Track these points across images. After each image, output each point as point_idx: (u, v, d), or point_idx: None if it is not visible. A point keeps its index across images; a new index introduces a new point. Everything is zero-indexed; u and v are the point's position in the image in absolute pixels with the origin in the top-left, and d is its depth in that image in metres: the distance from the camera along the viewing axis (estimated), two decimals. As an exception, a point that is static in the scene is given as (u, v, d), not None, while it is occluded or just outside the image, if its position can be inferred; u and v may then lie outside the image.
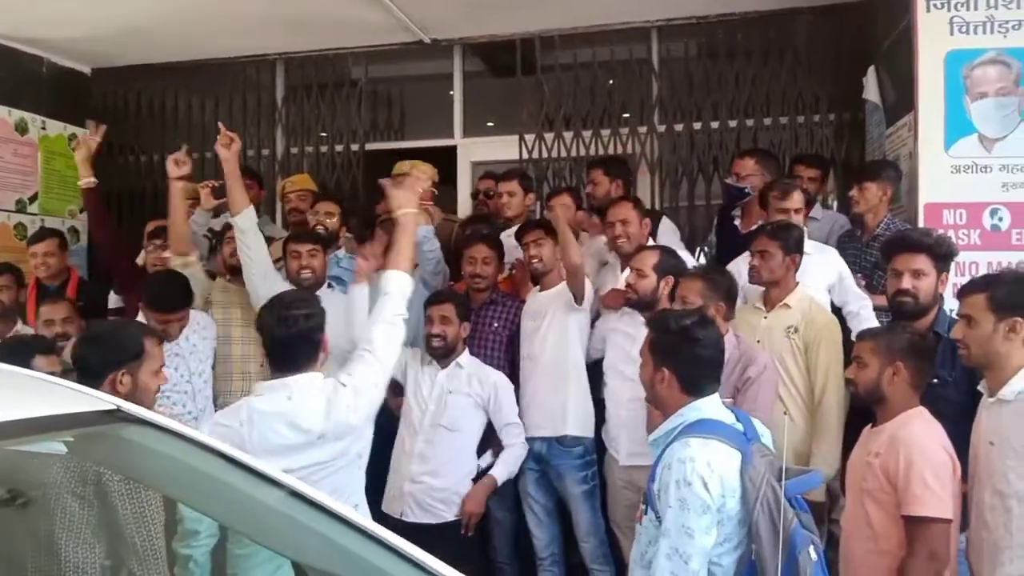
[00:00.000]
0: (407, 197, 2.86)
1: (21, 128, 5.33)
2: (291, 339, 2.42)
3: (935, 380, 2.65)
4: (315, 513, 1.56)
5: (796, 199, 3.64)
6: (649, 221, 3.74)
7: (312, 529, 1.56)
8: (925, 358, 2.56)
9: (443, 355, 3.46)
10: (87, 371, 2.24)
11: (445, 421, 3.38)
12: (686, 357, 2.33)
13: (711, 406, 2.32)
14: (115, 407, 1.68)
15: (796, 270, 3.36)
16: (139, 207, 5.86)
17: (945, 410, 2.59)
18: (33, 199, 5.41)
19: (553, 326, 3.55)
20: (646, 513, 2.30)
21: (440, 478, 3.36)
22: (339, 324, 3.68)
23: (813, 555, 2.14)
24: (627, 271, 3.52)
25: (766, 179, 4.10)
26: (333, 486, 2.32)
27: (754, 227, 3.71)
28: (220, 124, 3.77)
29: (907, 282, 2.95)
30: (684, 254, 3.71)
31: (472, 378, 3.43)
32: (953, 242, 3.17)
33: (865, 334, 2.67)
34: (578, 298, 3.48)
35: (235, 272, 3.82)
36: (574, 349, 3.56)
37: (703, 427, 2.23)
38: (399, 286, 2.63)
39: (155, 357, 2.43)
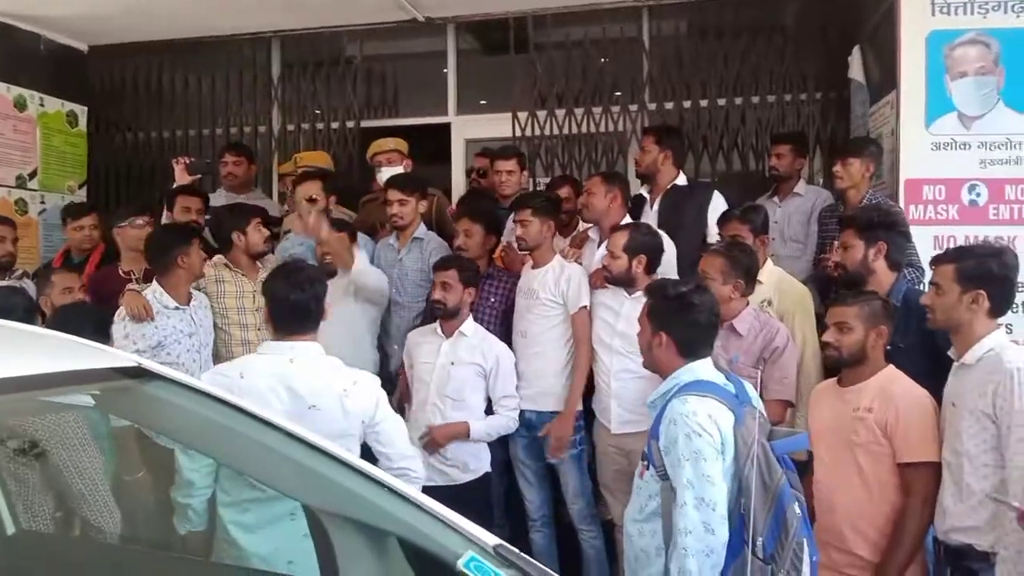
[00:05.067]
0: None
1: (20, 104, 5.38)
2: (304, 302, 2.56)
3: (888, 347, 2.81)
4: (328, 461, 1.69)
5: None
6: (619, 194, 3.79)
7: (326, 476, 1.69)
8: (892, 322, 2.78)
9: (447, 318, 3.55)
10: None
11: (449, 391, 3.49)
12: (682, 322, 2.48)
13: (704, 368, 2.46)
14: (136, 363, 1.80)
15: (765, 248, 3.58)
16: (135, 184, 5.96)
17: None
18: (33, 175, 5.46)
19: (544, 306, 3.64)
20: (648, 469, 2.43)
21: (452, 446, 3.48)
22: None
23: (797, 511, 2.30)
24: (602, 248, 3.63)
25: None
26: None
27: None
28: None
29: (835, 255, 3.24)
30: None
31: (475, 349, 3.52)
32: (885, 214, 3.33)
33: (848, 300, 2.82)
34: None
35: (259, 258, 3.85)
36: (565, 327, 3.64)
37: (698, 386, 2.37)
38: None
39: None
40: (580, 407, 3.64)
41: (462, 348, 3.52)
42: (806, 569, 2.28)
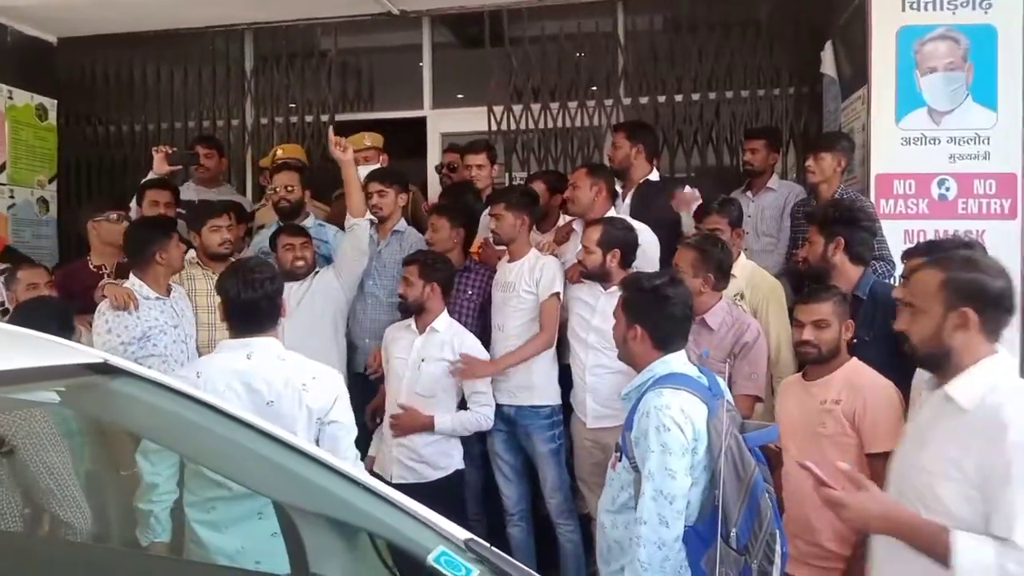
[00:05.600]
0: None
1: (-13, 98, 5.30)
2: (255, 301, 2.53)
3: (854, 340, 2.84)
4: (298, 457, 1.67)
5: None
6: (604, 186, 3.74)
7: (295, 472, 1.68)
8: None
9: (411, 313, 3.56)
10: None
11: (420, 389, 3.48)
12: (657, 314, 2.49)
13: (679, 361, 2.48)
14: (102, 360, 1.78)
15: (740, 241, 3.62)
16: (107, 178, 5.88)
17: None
18: (1, 169, 5.38)
19: (521, 299, 3.64)
20: (620, 460, 2.45)
21: (422, 443, 3.47)
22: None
23: (770, 502, 2.33)
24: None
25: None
26: None
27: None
28: (331, 131, 3.89)
29: (803, 251, 3.31)
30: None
31: (445, 345, 3.50)
32: (845, 209, 3.31)
33: (822, 296, 2.82)
34: None
35: (219, 259, 3.76)
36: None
37: (673, 379, 2.39)
38: None
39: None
40: (559, 401, 3.64)
41: (433, 344, 3.51)
42: (778, 560, 2.31)
